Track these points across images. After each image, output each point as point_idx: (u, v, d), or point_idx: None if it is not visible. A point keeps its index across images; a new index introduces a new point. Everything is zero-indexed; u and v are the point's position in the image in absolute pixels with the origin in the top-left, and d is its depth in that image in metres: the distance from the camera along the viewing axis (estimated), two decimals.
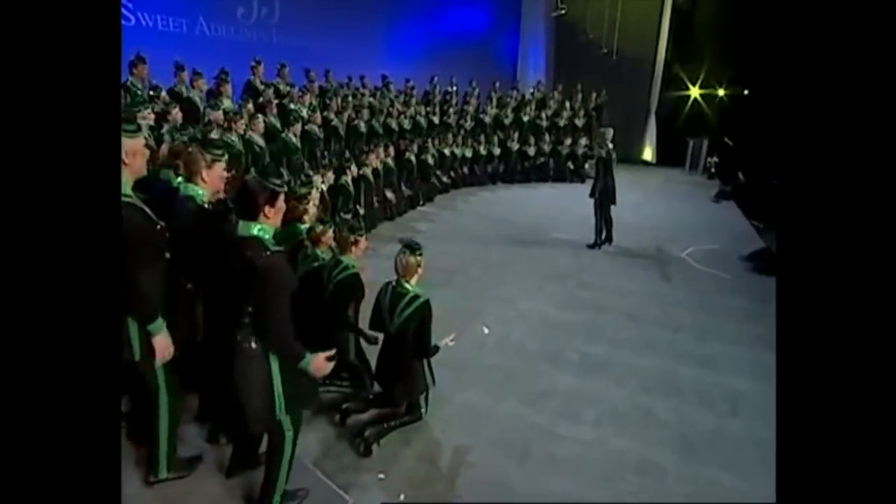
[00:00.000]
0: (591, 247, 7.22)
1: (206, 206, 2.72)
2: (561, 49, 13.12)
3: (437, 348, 3.42)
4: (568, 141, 10.96)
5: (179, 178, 2.97)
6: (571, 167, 10.95)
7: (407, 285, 3.34)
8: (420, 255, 3.33)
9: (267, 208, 2.26)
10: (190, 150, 2.87)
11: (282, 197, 2.32)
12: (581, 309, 5.38)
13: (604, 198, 7.06)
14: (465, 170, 10.17)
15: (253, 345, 2.32)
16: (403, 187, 8.17)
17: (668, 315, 5.33)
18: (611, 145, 7.06)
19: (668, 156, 13.52)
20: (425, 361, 3.46)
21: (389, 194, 7.69)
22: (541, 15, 12.65)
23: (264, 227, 2.30)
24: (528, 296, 5.64)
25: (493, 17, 12.21)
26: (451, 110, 10.44)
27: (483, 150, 10.30)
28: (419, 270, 3.35)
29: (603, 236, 7.28)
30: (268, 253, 2.24)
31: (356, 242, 3.72)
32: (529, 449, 3.37)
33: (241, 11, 8.02)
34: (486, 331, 4.85)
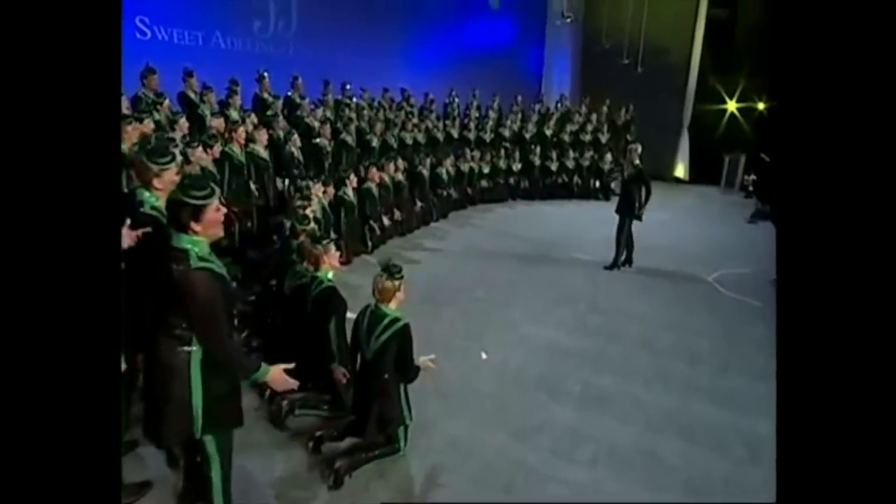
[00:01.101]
0: (610, 268, 6.82)
1: (154, 212, 2.60)
2: (588, 62, 12.78)
3: (417, 371, 3.16)
4: (590, 154, 10.55)
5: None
6: (596, 184, 10.54)
7: (385, 309, 3.11)
8: (399, 279, 3.09)
9: (192, 223, 2.12)
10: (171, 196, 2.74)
11: (210, 208, 2.16)
12: (590, 335, 5.01)
13: (627, 216, 6.68)
14: (485, 185, 9.91)
15: (175, 356, 2.19)
16: (418, 202, 7.96)
17: (686, 345, 4.90)
18: (638, 162, 6.69)
19: (702, 173, 12.90)
20: (403, 392, 3.20)
21: (397, 212, 7.49)
22: (566, 27, 12.38)
23: (194, 240, 2.15)
24: (535, 319, 5.30)
25: (517, 29, 12.00)
26: (472, 124, 10.24)
27: (503, 165, 10.02)
28: (398, 295, 3.11)
29: (623, 258, 6.88)
30: (190, 266, 2.10)
31: (326, 253, 3.61)
32: (513, 490, 3.07)
33: (258, 25, 8.05)
34: (485, 356, 4.55)
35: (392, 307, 3.12)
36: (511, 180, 10.21)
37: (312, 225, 4.04)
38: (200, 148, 4.68)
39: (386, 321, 3.05)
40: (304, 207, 4.26)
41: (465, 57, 11.24)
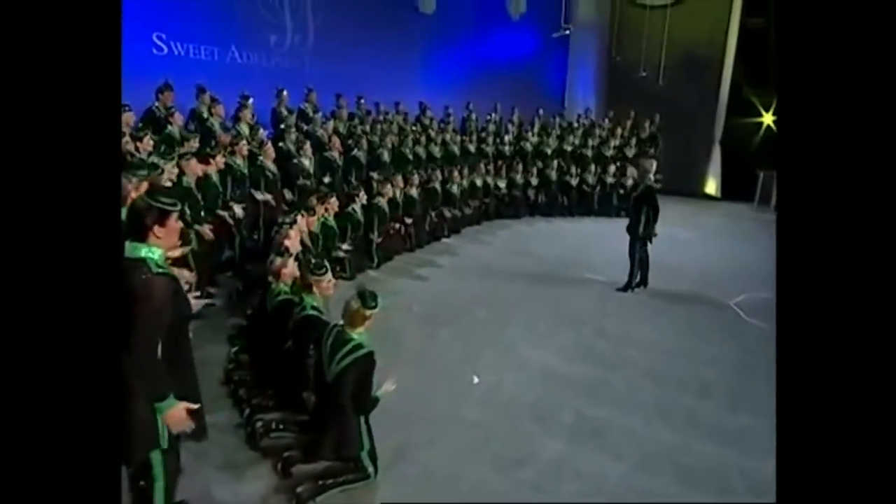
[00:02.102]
0: (623, 290, 6.51)
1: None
2: (614, 74, 12.44)
3: (375, 402, 3.03)
4: (612, 170, 10.22)
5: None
6: (617, 201, 10.17)
7: (351, 333, 2.99)
8: (373, 308, 2.97)
9: (157, 228, 2.12)
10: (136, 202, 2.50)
11: (174, 216, 2.17)
12: (591, 362, 4.74)
13: (640, 235, 6.38)
14: (503, 200, 9.71)
15: None
16: (429, 217, 7.84)
17: (696, 375, 4.57)
18: (652, 178, 6.40)
19: (735, 189, 12.27)
20: (363, 419, 3.04)
21: (408, 226, 7.39)
22: (590, 40, 12.12)
23: (153, 249, 2.13)
24: (535, 343, 5.07)
25: (540, 42, 11.81)
26: (490, 138, 10.08)
27: (520, 180, 9.81)
28: (366, 323, 2.99)
29: (637, 279, 6.56)
30: (149, 274, 2.07)
31: (318, 284, 3.59)
32: None
33: (274, 39, 8.15)
34: (476, 380, 4.35)
35: (359, 332, 2.99)
36: (529, 196, 9.97)
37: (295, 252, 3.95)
38: (194, 160, 4.67)
39: (349, 346, 2.93)
40: (284, 239, 4.16)
41: (485, 69, 11.12)
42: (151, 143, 4.68)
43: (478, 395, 4.15)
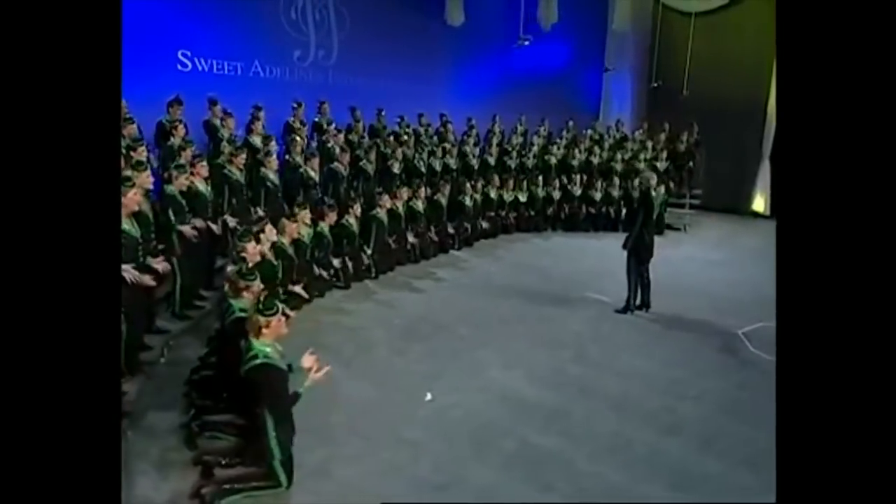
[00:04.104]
0: (622, 312, 6.20)
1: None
2: (655, 87, 11.89)
3: (295, 397, 3.09)
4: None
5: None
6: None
7: (252, 342, 3.05)
8: (269, 316, 3.01)
9: None
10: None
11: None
12: (559, 388, 4.54)
13: (639, 254, 6.07)
14: (524, 213, 9.54)
15: None
16: (432, 230, 7.84)
17: (671, 410, 4.26)
18: (654, 193, 6.09)
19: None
20: (273, 427, 3.08)
21: (412, 237, 7.41)
22: (627, 50, 11.66)
23: None
24: (507, 363, 4.92)
25: (573, 53, 11.49)
26: (514, 151, 9.93)
27: (541, 193, 9.59)
28: (265, 332, 3.03)
29: (638, 301, 6.23)
30: None
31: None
32: None
33: (298, 54, 8.45)
34: (429, 397, 4.29)
35: (263, 342, 3.04)
36: (551, 210, 9.73)
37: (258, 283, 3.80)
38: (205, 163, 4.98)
39: (247, 356, 2.99)
40: (242, 251, 4.13)
41: (515, 81, 10.97)
42: (145, 152, 4.95)
43: (425, 415, 4.09)
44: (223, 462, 3.27)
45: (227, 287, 3.85)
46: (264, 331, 3.05)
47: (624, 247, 6.13)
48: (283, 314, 3.90)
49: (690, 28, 11.06)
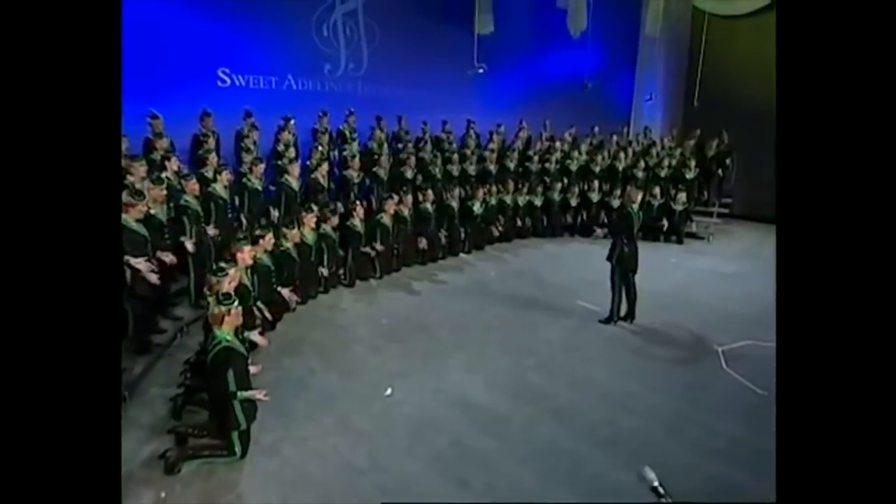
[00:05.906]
0: (605, 322, 6.36)
1: None
2: (691, 95, 11.50)
3: (233, 395, 3.61)
4: (658, 192, 9.60)
5: None
6: (665, 225, 9.55)
7: (216, 331, 3.63)
8: (228, 305, 3.59)
9: None
10: None
11: None
12: (512, 396, 4.78)
13: (624, 265, 6.20)
14: (540, 219, 9.74)
15: None
16: (441, 233, 8.27)
17: (617, 426, 4.33)
18: (636, 207, 6.18)
19: None
20: (238, 402, 3.65)
21: (423, 241, 7.88)
22: (659, 57, 11.37)
23: None
24: (471, 368, 5.27)
25: (604, 60, 11.36)
26: (535, 156, 10.12)
27: (557, 199, 9.73)
28: (226, 319, 3.60)
29: (623, 312, 6.37)
30: None
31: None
32: None
33: (328, 67, 9.12)
34: (388, 392, 4.76)
35: (224, 330, 3.61)
36: (568, 216, 9.86)
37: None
38: (194, 179, 5.73)
39: (212, 343, 3.58)
40: (221, 275, 4.27)
41: (545, 89, 11.09)
42: (144, 167, 5.55)
43: (378, 409, 4.52)
44: (194, 432, 3.93)
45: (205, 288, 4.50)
46: (226, 319, 3.63)
47: (608, 259, 6.29)
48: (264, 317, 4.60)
49: (728, 32, 10.67)
